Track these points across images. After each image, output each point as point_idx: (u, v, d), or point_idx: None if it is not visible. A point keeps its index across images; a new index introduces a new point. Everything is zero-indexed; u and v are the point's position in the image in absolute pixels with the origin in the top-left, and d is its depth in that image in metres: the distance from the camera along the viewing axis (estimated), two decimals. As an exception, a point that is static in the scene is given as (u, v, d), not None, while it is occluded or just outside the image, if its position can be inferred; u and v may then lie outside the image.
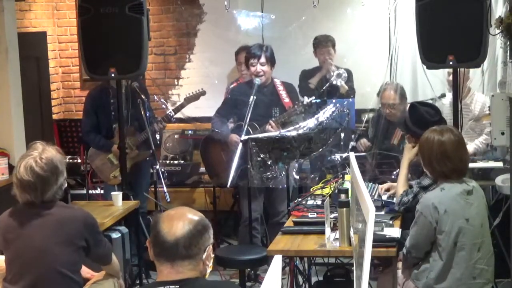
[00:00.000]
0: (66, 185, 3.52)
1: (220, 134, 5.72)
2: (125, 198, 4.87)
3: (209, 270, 2.50)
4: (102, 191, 5.96)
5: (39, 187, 3.33)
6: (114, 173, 5.68)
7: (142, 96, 5.53)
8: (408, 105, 5.17)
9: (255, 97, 5.46)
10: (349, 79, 6.24)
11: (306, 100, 5.39)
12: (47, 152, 3.39)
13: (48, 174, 3.33)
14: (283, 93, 5.66)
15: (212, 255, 2.51)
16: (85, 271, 3.69)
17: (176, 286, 2.36)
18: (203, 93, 6.00)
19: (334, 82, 6.06)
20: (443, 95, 6.07)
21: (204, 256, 2.43)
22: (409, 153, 4.22)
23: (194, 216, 2.45)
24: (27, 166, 3.33)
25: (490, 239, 3.70)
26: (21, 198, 3.38)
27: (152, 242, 2.43)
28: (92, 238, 3.44)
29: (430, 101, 5.82)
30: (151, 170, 5.86)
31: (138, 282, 5.11)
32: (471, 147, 5.46)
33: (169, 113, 5.84)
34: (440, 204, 3.53)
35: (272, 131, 5.38)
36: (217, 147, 5.82)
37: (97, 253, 3.52)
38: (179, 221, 2.41)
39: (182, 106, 5.96)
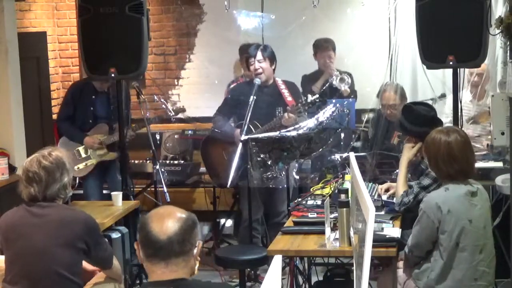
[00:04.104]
0: (71, 192, 3.54)
1: (223, 133, 5.71)
2: (125, 198, 4.87)
3: (197, 265, 2.51)
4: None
5: (44, 178, 3.34)
6: (79, 166, 5.73)
7: (142, 96, 5.54)
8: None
9: (255, 97, 5.45)
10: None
11: (310, 98, 5.38)
12: (56, 151, 3.45)
13: (54, 167, 3.37)
14: (285, 92, 5.66)
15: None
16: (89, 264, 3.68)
17: None
18: (183, 110, 6.21)
19: (338, 87, 6.05)
20: (443, 95, 6.06)
21: (195, 251, 2.45)
22: (408, 152, 4.22)
23: (182, 213, 2.46)
24: (34, 159, 3.39)
25: (493, 241, 3.70)
26: (25, 192, 3.40)
27: (143, 243, 2.41)
28: (92, 240, 3.43)
29: (430, 101, 5.82)
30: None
31: (138, 282, 5.11)
32: None
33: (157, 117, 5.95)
34: (444, 204, 3.53)
35: (291, 119, 5.36)
36: (218, 147, 5.81)
37: (97, 256, 3.51)
38: (169, 219, 2.41)
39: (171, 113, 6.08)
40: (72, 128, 5.83)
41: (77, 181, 5.87)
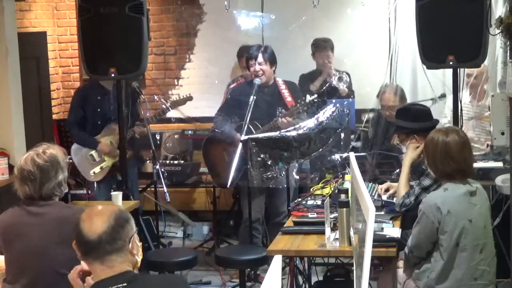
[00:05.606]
0: (67, 188, 3.52)
1: (224, 133, 5.71)
2: (125, 198, 4.87)
3: (139, 259, 2.53)
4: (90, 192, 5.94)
5: (38, 177, 3.33)
6: (95, 170, 5.71)
7: (142, 96, 5.54)
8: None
9: (255, 97, 5.45)
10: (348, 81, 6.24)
11: (308, 98, 5.38)
12: (51, 149, 3.43)
13: (48, 165, 3.35)
14: (285, 92, 5.66)
15: (139, 243, 2.54)
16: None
17: (124, 284, 2.38)
18: (189, 98, 6.05)
19: (336, 86, 6.05)
20: (443, 95, 6.06)
21: (130, 246, 2.46)
22: (412, 153, 4.20)
23: (113, 210, 2.48)
24: (29, 158, 3.37)
25: (493, 241, 3.69)
26: (21, 191, 3.40)
27: (77, 243, 2.46)
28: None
29: (430, 101, 5.81)
30: (152, 170, 5.81)
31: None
32: None
33: (155, 116, 5.87)
34: (443, 204, 3.53)
35: (286, 123, 5.36)
36: (219, 147, 5.81)
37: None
38: (99, 217, 2.44)
39: (167, 110, 5.97)
40: (82, 134, 5.78)
41: (95, 186, 5.76)
